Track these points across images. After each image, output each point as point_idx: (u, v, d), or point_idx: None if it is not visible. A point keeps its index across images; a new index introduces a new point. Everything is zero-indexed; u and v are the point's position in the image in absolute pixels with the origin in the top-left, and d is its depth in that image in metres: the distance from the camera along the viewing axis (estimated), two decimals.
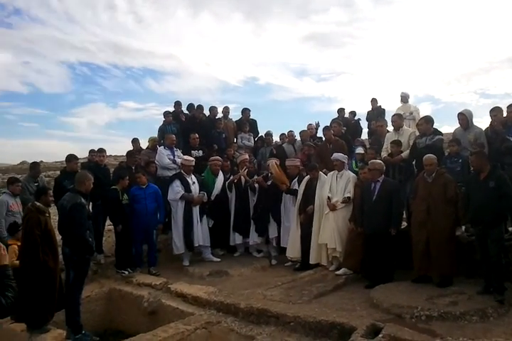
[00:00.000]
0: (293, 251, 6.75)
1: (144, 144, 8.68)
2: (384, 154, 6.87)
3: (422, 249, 5.33)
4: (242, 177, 7.41)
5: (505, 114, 6.20)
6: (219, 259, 7.15)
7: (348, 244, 6.11)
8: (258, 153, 9.27)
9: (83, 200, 4.86)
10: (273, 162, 7.28)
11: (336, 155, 6.65)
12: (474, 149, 5.63)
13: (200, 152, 8.37)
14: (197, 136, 8.46)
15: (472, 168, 5.41)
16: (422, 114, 9.29)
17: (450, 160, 5.93)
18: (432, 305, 4.60)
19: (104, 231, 7.24)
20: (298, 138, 9.21)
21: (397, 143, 6.67)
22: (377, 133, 7.93)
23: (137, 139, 8.77)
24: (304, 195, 6.71)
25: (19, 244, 5.01)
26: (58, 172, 8.20)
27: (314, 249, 6.44)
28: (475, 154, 5.10)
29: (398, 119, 7.29)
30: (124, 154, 8.51)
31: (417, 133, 7.07)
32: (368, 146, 7.68)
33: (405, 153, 6.63)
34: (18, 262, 4.80)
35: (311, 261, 6.46)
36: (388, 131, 7.62)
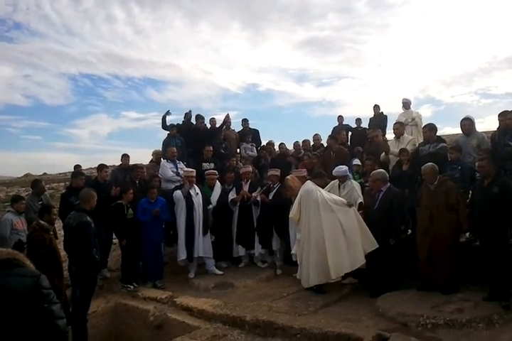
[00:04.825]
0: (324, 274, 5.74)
1: (135, 158, 8.31)
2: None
3: (426, 256, 5.33)
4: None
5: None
6: (221, 272, 6.98)
7: None
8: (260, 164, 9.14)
9: (89, 218, 4.89)
10: (292, 176, 6.64)
11: (339, 172, 6.35)
12: (480, 155, 5.60)
13: (212, 165, 8.34)
14: (211, 148, 8.46)
15: (480, 174, 5.29)
16: (424, 116, 9.34)
17: (450, 167, 5.92)
18: (437, 312, 4.58)
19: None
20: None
21: (406, 151, 6.60)
22: (372, 143, 7.83)
23: (127, 154, 8.10)
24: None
25: None
26: (62, 184, 8.14)
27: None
28: (486, 159, 5.07)
29: (400, 127, 7.34)
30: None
31: (416, 140, 7.04)
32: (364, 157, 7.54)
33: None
34: None
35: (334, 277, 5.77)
36: (387, 140, 7.64)
